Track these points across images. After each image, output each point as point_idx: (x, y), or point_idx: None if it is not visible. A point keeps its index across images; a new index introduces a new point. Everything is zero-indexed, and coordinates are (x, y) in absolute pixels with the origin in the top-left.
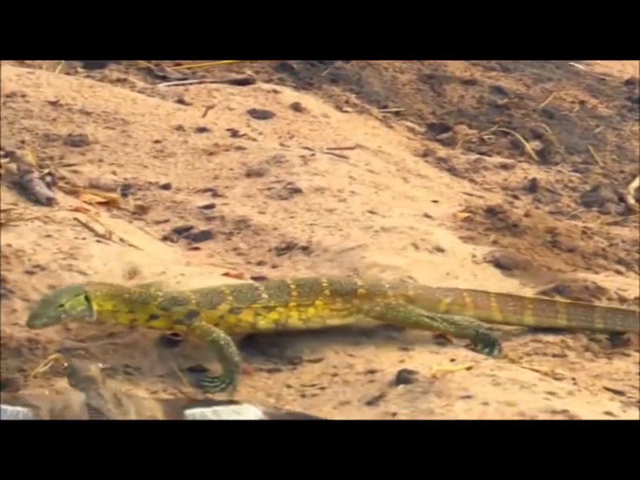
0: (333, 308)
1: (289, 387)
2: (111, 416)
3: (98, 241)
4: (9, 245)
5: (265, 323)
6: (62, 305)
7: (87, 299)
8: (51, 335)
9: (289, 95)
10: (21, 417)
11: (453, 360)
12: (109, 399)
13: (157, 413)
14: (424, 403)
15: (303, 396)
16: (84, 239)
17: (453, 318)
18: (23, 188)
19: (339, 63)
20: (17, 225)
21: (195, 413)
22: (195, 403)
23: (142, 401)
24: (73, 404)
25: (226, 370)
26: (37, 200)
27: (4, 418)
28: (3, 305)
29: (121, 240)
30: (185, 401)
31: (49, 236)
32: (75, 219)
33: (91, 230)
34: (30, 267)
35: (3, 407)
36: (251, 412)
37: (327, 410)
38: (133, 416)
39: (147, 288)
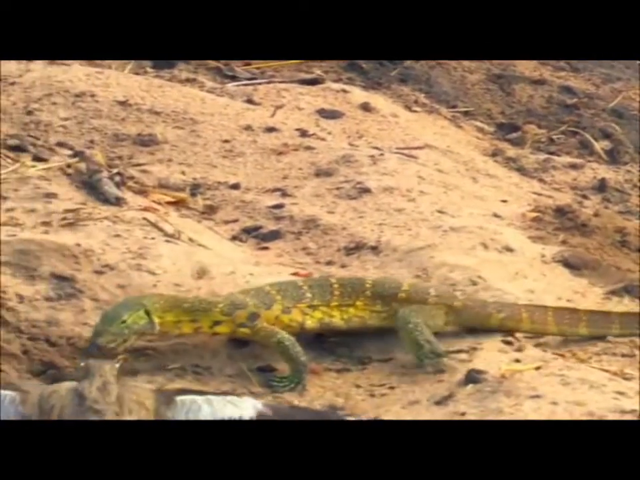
0: (373, 309)
1: (357, 386)
2: (92, 399)
3: (167, 241)
4: (78, 245)
5: (311, 322)
6: (124, 322)
7: (147, 312)
8: None
9: (358, 94)
10: (7, 401)
11: (520, 360)
12: (95, 384)
13: (145, 399)
14: (493, 403)
15: (372, 395)
16: (153, 238)
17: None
18: (92, 188)
19: (408, 63)
20: (86, 224)
21: (186, 400)
22: (187, 391)
23: (133, 387)
24: (61, 389)
25: (294, 370)
26: (105, 199)
27: None
28: (72, 305)
29: (190, 240)
30: (177, 389)
31: (117, 236)
32: (144, 218)
33: (160, 230)
34: (99, 266)
35: None
36: (248, 404)
37: (395, 410)
38: (113, 396)
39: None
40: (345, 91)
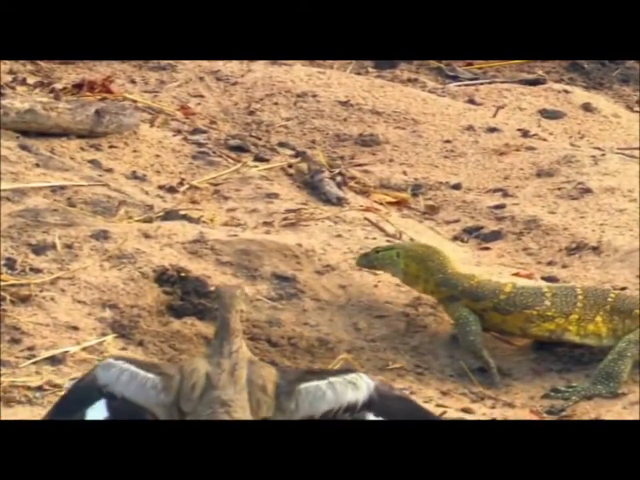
0: (609, 327)
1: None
2: (219, 384)
3: (388, 241)
4: (300, 245)
5: (537, 330)
6: (377, 252)
7: (397, 255)
8: (341, 335)
9: (580, 94)
10: (148, 385)
11: None
12: (227, 368)
13: (268, 383)
14: None
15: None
16: (374, 238)
17: None
18: (313, 188)
19: (629, 63)
20: (308, 224)
21: (310, 387)
22: (309, 376)
23: (259, 369)
24: (199, 368)
25: (464, 348)
26: (327, 199)
27: (133, 383)
28: (293, 305)
29: (411, 239)
30: (299, 373)
31: (339, 236)
32: (366, 218)
33: (381, 230)
34: (320, 266)
35: (136, 370)
36: (363, 383)
37: (616, 410)
38: (241, 384)
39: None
40: (566, 91)
